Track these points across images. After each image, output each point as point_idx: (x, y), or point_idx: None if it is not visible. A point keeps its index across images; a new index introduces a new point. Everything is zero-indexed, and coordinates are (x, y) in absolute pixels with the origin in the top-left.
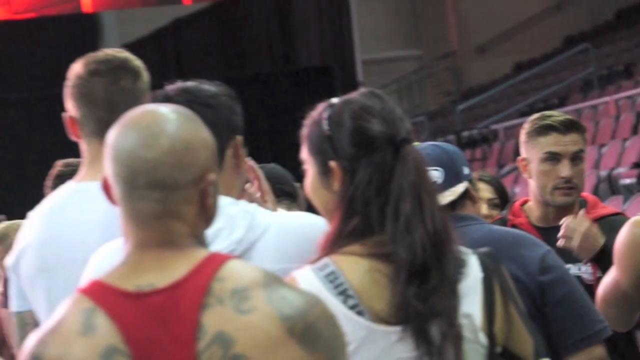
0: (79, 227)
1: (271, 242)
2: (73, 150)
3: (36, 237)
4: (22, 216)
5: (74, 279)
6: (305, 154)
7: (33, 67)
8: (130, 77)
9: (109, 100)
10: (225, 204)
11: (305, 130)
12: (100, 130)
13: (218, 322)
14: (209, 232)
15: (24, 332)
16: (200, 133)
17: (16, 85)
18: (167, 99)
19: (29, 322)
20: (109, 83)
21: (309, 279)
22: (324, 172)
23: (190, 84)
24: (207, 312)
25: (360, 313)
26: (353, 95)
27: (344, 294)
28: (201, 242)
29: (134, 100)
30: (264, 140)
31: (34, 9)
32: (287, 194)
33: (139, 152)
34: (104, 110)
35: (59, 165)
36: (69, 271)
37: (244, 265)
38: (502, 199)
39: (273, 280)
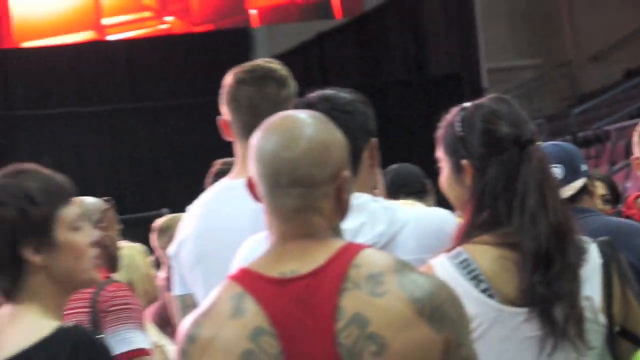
0: (231, 220)
1: (410, 235)
2: (229, 150)
3: (194, 228)
4: (182, 210)
5: (226, 266)
6: (440, 153)
7: (194, 77)
8: (274, 85)
9: (252, 106)
10: (366, 200)
11: (440, 132)
12: (246, 133)
13: (355, 304)
14: (353, 227)
15: (185, 313)
16: (335, 135)
17: (180, 92)
18: (309, 106)
19: (189, 304)
20: (253, 91)
21: (444, 266)
22: (457, 169)
23: (329, 92)
24: (345, 296)
25: (490, 296)
26: (483, 100)
27: (476, 279)
28: (338, 233)
29: (277, 106)
30: (399, 141)
31: (210, 20)
32: (412, 193)
33: (281, 153)
34: (248, 115)
35: (217, 163)
36: (222, 259)
37: (377, 253)
38: (614, 195)
39: (404, 266)
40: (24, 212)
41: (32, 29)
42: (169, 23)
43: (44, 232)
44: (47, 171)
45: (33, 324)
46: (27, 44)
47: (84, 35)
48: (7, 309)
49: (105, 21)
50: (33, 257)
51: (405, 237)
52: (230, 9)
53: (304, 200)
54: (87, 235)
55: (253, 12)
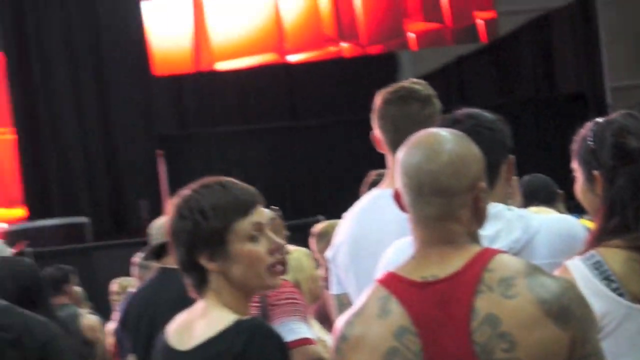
0: (380, 226)
1: (543, 241)
2: (382, 162)
3: (349, 233)
4: (338, 216)
5: (375, 268)
6: (575, 164)
7: (349, 96)
8: (417, 104)
9: (396, 124)
10: (502, 209)
11: (574, 145)
12: (393, 148)
13: (488, 305)
14: (491, 233)
15: (340, 311)
16: (472, 150)
17: (335, 110)
18: (455, 122)
19: (344, 302)
20: (397, 110)
21: (578, 268)
22: (589, 179)
23: (473, 110)
24: (479, 298)
25: (621, 295)
26: (613, 115)
27: (607, 279)
28: (475, 239)
29: (419, 123)
30: (532, 153)
31: (374, 42)
32: (544, 200)
33: (424, 166)
34: (394, 132)
35: (372, 174)
36: (372, 261)
37: (509, 258)
38: None
39: (534, 270)
40: (198, 225)
41: (217, 52)
42: (339, 47)
43: (217, 243)
44: (229, 185)
45: (216, 318)
46: (221, 65)
47: (264, 57)
48: (201, 303)
49: (286, 46)
50: (208, 264)
51: (538, 242)
52: (392, 31)
53: (443, 208)
54: (263, 245)
55: (411, 35)
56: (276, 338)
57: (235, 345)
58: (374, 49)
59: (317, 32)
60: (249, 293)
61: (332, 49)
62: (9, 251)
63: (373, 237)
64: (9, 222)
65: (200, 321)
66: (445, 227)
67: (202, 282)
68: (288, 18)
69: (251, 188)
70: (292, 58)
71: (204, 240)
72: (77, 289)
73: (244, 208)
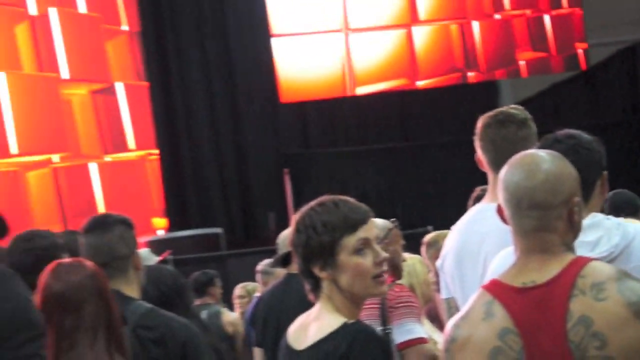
0: (481, 238)
1: (639, 246)
2: (485, 179)
3: (454, 244)
4: (445, 227)
5: (477, 275)
6: None
7: (455, 120)
8: (513, 127)
9: (494, 145)
10: (601, 219)
11: None
12: (493, 167)
13: (581, 308)
14: (592, 239)
15: (449, 313)
16: (567, 169)
17: (443, 132)
18: (556, 141)
19: (452, 306)
20: (495, 132)
21: None
22: None
23: (573, 131)
24: (573, 301)
25: None
26: None
27: None
28: (570, 248)
29: (515, 144)
30: (620, 171)
31: (490, 69)
32: (629, 213)
33: (522, 183)
34: (493, 152)
35: (477, 190)
36: (474, 270)
37: (601, 265)
38: None
39: (623, 275)
40: (310, 239)
41: (357, 78)
42: (463, 74)
43: (328, 255)
44: (341, 204)
45: (327, 321)
46: (360, 90)
47: (395, 83)
48: (316, 307)
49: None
50: (320, 273)
51: (634, 247)
52: (506, 59)
53: (541, 221)
54: (368, 258)
55: (522, 63)
56: (377, 340)
57: (340, 346)
58: (491, 76)
59: (444, 60)
60: (357, 299)
61: (452, 75)
62: (155, 259)
63: (475, 247)
64: (153, 233)
65: (314, 323)
66: (543, 237)
67: (316, 288)
68: (419, 47)
69: (362, 206)
70: (420, 84)
71: (316, 252)
72: (219, 290)
73: (352, 225)
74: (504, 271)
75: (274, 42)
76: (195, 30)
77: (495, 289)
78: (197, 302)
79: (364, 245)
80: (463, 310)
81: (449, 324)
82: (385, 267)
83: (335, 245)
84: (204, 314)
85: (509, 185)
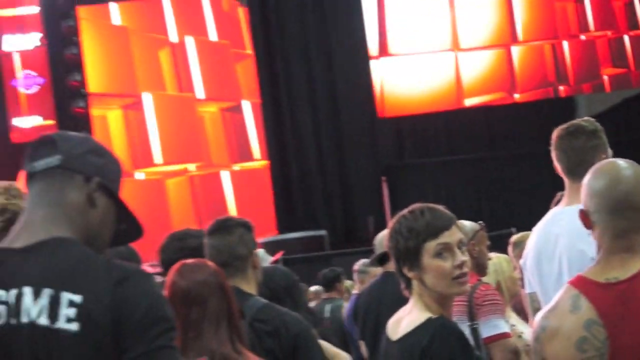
0: (556, 239)
1: None
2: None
3: (533, 244)
4: (528, 229)
5: (553, 272)
6: None
7: (536, 132)
8: (583, 138)
9: (567, 154)
10: None
11: None
12: (567, 174)
13: None
14: None
15: (532, 307)
16: None
17: (526, 142)
18: None
19: (535, 300)
20: (567, 143)
21: None
22: None
23: None
24: None
25: None
26: None
27: None
28: None
29: (584, 153)
30: None
31: (576, 82)
32: None
33: (616, 187)
34: (566, 161)
35: (559, 195)
36: (549, 267)
37: None
38: None
39: None
40: (398, 243)
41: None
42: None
43: (413, 257)
44: (427, 212)
45: (416, 315)
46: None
47: (495, 96)
48: (410, 303)
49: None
50: (408, 273)
51: None
52: (591, 75)
53: (629, 222)
54: (449, 261)
55: (605, 78)
56: (457, 334)
57: (423, 339)
58: (579, 89)
59: (538, 75)
60: (442, 297)
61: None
62: (269, 259)
63: (551, 247)
64: (265, 235)
65: (406, 317)
66: (631, 238)
67: (409, 286)
68: (516, 62)
69: (447, 213)
70: (517, 97)
71: (404, 255)
72: (344, 285)
73: (435, 231)
74: (589, 268)
75: (372, 63)
76: (302, 53)
77: (581, 284)
78: (324, 296)
79: (444, 249)
80: (551, 303)
81: (538, 316)
82: (465, 269)
83: (419, 249)
84: (327, 308)
85: (595, 192)
